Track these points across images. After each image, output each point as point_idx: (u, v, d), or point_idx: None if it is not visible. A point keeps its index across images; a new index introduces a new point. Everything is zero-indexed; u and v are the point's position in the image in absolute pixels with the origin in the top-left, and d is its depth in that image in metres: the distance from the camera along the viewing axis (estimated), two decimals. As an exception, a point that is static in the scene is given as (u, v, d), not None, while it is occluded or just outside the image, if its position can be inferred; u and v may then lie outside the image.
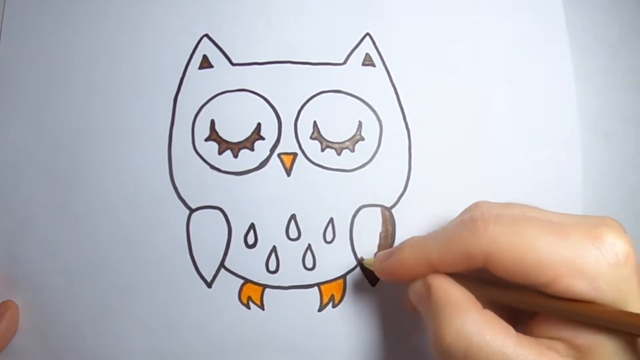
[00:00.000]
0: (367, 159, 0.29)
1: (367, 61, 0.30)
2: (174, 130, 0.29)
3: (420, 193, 0.28)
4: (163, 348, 0.27)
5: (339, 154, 0.29)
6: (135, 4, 0.30)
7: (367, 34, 0.30)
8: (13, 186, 0.28)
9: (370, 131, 0.29)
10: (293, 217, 0.28)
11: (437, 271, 0.22)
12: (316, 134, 0.29)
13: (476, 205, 0.23)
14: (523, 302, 0.21)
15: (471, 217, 0.21)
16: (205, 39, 0.30)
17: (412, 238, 0.24)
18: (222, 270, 0.28)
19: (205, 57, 0.29)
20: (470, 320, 0.20)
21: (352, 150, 0.29)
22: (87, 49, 0.30)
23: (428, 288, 0.22)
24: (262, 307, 0.28)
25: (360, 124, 0.29)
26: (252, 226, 0.28)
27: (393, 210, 0.28)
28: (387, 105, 0.29)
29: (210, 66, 0.29)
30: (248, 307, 0.28)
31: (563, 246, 0.20)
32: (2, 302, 0.27)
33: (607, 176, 0.30)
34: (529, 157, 0.29)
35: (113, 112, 0.29)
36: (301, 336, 0.27)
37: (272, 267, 0.28)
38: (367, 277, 0.28)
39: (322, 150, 0.29)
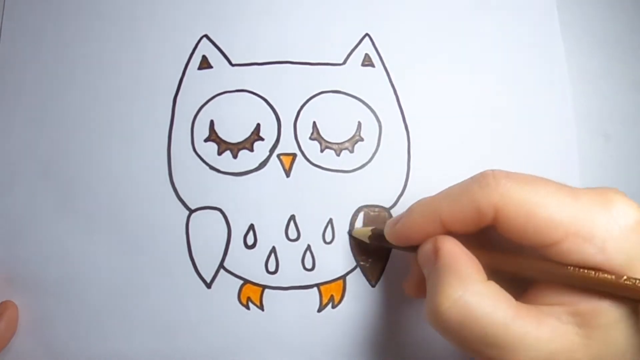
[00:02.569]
0: (366, 160, 0.29)
1: (367, 61, 0.30)
2: (173, 130, 0.29)
3: (419, 194, 0.28)
4: (162, 348, 0.27)
5: (338, 155, 0.29)
6: (135, 4, 0.30)
7: (367, 34, 0.30)
8: (13, 186, 0.28)
9: (369, 132, 0.29)
10: (292, 217, 0.28)
11: (447, 230, 0.22)
12: (315, 135, 0.29)
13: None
14: (527, 268, 0.21)
15: (482, 173, 0.21)
16: (204, 39, 0.30)
17: (420, 198, 0.23)
18: (222, 270, 0.28)
19: (204, 58, 0.29)
20: (471, 291, 0.20)
21: (352, 151, 0.29)
22: (86, 49, 0.30)
23: (437, 251, 0.22)
24: (261, 307, 0.28)
25: (359, 124, 0.29)
26: (251, 227, 0.28)
27: (392, 211, 0.28)
28: (387, 105, 0.29)
29: (210, 67, 0.29)
30: (247, 307, 0.28)
31: (574, 206, 0.19)
32: (2, 302, 0.27)
33: (607, 177, 0.30)
34: (527, 158, 0.29)
35: (112, 113, 0.29)
36: (301, 337, 0.27)
37: (272, 268, 0.28)
38: (367, 277, 0.28)
39: (322, 150, 0.29)
